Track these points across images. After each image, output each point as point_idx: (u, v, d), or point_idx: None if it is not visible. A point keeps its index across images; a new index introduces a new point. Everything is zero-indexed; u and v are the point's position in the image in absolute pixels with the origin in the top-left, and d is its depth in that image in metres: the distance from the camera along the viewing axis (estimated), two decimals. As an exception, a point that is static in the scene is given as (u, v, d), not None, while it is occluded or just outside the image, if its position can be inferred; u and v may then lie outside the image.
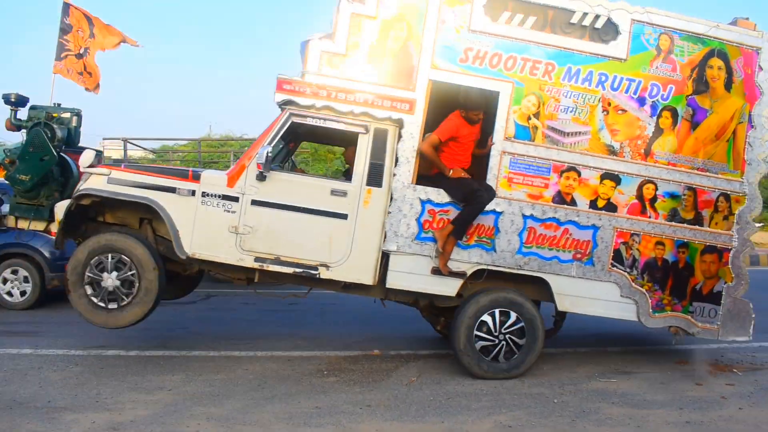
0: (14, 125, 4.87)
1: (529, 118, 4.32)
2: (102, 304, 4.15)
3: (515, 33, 4.29)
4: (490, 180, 4.30)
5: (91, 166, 4.19)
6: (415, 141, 4.22)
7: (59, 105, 5.21)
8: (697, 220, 4.48)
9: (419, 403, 3.84)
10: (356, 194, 4.19)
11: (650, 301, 4.43)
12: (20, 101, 4.88)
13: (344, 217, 4.18)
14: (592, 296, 4.40)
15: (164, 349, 4.87)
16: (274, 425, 3.45)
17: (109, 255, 4.10)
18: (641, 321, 4.43)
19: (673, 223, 4.45)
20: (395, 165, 4.23)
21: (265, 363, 4.57)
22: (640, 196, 4.41)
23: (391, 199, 4.21)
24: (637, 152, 4.41)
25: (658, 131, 4.42)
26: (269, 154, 4.07)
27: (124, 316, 4.16)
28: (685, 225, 4.46)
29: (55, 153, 4.62)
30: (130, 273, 4.11)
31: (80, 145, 5.19)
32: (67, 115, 5.02)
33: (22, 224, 4.79)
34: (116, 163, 6.57)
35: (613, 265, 4.40)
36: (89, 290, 4.13)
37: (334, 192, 4.19)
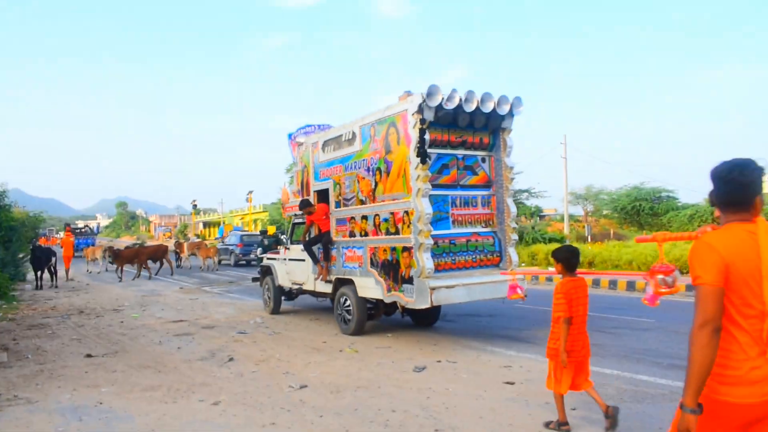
0: None
1: (337, 197, 9.74)
2: None
3: (330, 156, 9.97)
4: (333, 232, 9.90)
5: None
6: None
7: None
8: (397, 231, 8.37)
9: None
10: (307, 250, 10.76)
11: (385, 286, 8.59)
12: None
13: (304, 260, 10.77)
14: (368, 286, 9.00)
15: None
16: None
17: None
18: (383, 298, 8.64)
19: (387, 236, 8.55)
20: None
21: None
22: (375, 224, 8.84)
23: (313, 250, 10.49)
24: (371, 199, 8.92)
25: (376, 184, 8.80)
26: (286, 238, 11.35)
27: None
28: (392, 236, 8.47)
29: None
30: None
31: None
32: None
33: None
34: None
35: (371, 267, 8.92)
36: None
37: (302, 250, 10.89)
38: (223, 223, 64.23)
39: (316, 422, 5.17)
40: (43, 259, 18.91)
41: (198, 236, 60.40)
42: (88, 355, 8.18)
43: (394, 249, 8.36)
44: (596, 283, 15.45)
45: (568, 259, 4.77)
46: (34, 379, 6.97)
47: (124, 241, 60.88)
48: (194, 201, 59.36)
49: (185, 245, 27.64)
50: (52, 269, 19.40)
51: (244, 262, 28.18)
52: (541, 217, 30.92)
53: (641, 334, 8.88)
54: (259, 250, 14.10)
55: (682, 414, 2.29)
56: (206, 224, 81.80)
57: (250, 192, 42.11)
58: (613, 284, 15.27)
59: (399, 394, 5.96)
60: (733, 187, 2.42)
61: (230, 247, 28.12)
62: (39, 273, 18.92)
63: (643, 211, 28.84)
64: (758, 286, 2.28)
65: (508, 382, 6.29)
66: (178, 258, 27.55)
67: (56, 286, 19.04)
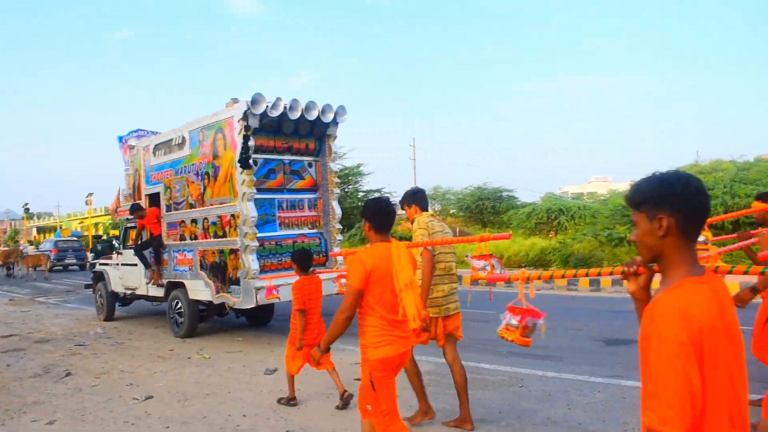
0: None
1: (168, 200, 9.76)
2: None
3: (161, 160, 9.95)
4: (164, 236, 9.89)
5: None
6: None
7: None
8: (225, 234, 8.60)
9: None
10: (139, 254, 10.62)
11: (214, 287, 8.78)
12: None
13: (136, 265, 10.63)
14: (198, 288, 9.13)
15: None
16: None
17: None
18: (213, 300, 8.82)
19: (216, 239, 8.75)
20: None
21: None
22: (204, 227, 8.99)
23: (144, 254, 10.39)
24: (200, 203, 9.06)
25: (204, 188, 8.95)
26: (118, 243, 11.10)
27: None
28: (220, 239, 8.67)
29: None
30: None
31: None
32: None
33: None
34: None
35: (200, 269, 9.06)
36: None
37: (134, 254, 10.73)
38: (60, 227, 59.63)
39: (162, 434, 5.01)
40: None
41: (31, 242, 55.86)
42: None
43: (222, 252, 8.60)
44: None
45: (300, 260, 5.59)
46: None
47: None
48: (26, 204, 54.90)
49: None
50: None
51: (60, 267, 29.42)
52: (392, 216, 32.38)
53: (483, 325, 9.00)
54: (91, 255, 13.64)
55: (315, 350, 3.56)
56: (40, 229, 75.59)
57: (90, 194, 38.98)
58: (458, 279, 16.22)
59: (250, 398, 5.94)
60: (382, 217, 3.51)
61: (45, 253, 27.51)
62: None
63: (486, 210, 31.06)
64: (391, 283, 3.34)
65: (357, 379, 6.37)
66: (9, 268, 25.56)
67: None
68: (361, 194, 27.25)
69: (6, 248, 30.73)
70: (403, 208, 4.44)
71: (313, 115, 8.79)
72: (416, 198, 4.83)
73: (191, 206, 9.22)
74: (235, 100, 8.51)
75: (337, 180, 9.44)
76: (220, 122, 8.60)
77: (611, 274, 2.06)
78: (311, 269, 5.64)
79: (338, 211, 9.41)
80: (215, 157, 8.70)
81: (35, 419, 5.61)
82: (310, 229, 9.30)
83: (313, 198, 9.37)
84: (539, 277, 2.30)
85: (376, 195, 28.52)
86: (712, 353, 1.45)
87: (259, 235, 8.33)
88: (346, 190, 26.05)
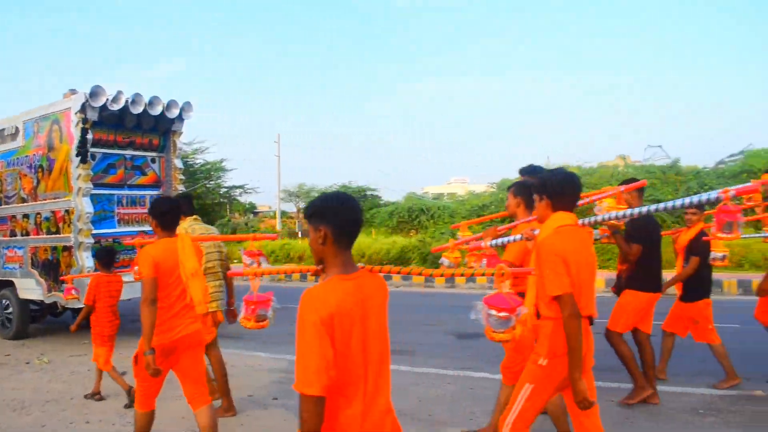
0: None
1: (-4, 193, 9.18)
2: None
3: (-10, 149, 9.32)
4: (-8, 231, 9.30)
5: None
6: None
7: None
8: (58, 231, 8.26)
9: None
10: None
11: (46, 286, 8.40)
12: None
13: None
14: (30, 287, 8.69)
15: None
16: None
17: None
18: (44, 299, 8.45)
19: (48, 235, 8.39)
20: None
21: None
22: (36, 223, 8.58)
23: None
24: (33, 197, 8.63)
25: (38, 181, 8.55)
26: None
27: None
28: (53, 235, 8.32)
29: None
30: None
31: None
32: None
33: None
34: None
35: (32, 267, 8.63)
36: None
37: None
38: None
39: (-7, 446, 4.74)
40: None
41: None
42: None
43: (54, 248, 8.28)
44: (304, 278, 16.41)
45: (101, 258, 5.82)
46: None
47: None
48: None
49: None
50: None
51: None
52: (255, 213, 32.01)
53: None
54: None
55: (145, 357, 3.47)
56: None
57: None
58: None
59: (95, 404, 5.70)
60: (166, 214, 3.81)
61: None
62: None
63: (349, 208, 31.67)
64: (177, 274, 3.63)
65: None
66: None
67: None
68: (223, 190, 26.85)
69: None
70: None
71: (156, 111, 8.69)
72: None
73: (23, 200, 8.78)
74: (73, 91, 8.23)
75: (181, 177, 9.39)
76: (56, 113, 8.29)
77: (310, 273, 2.57)
78: (111, 268, 5.84)
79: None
80: (50, 149, 8.37)
81: None
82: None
83: (155, 194, 9.23)
84: (269, 273, 2.77)
85: (239, 190, 28.32)
86: (344, 333, 1.84)
87: (95, 231, 8.11)
88: (208, 185, 25.54)
